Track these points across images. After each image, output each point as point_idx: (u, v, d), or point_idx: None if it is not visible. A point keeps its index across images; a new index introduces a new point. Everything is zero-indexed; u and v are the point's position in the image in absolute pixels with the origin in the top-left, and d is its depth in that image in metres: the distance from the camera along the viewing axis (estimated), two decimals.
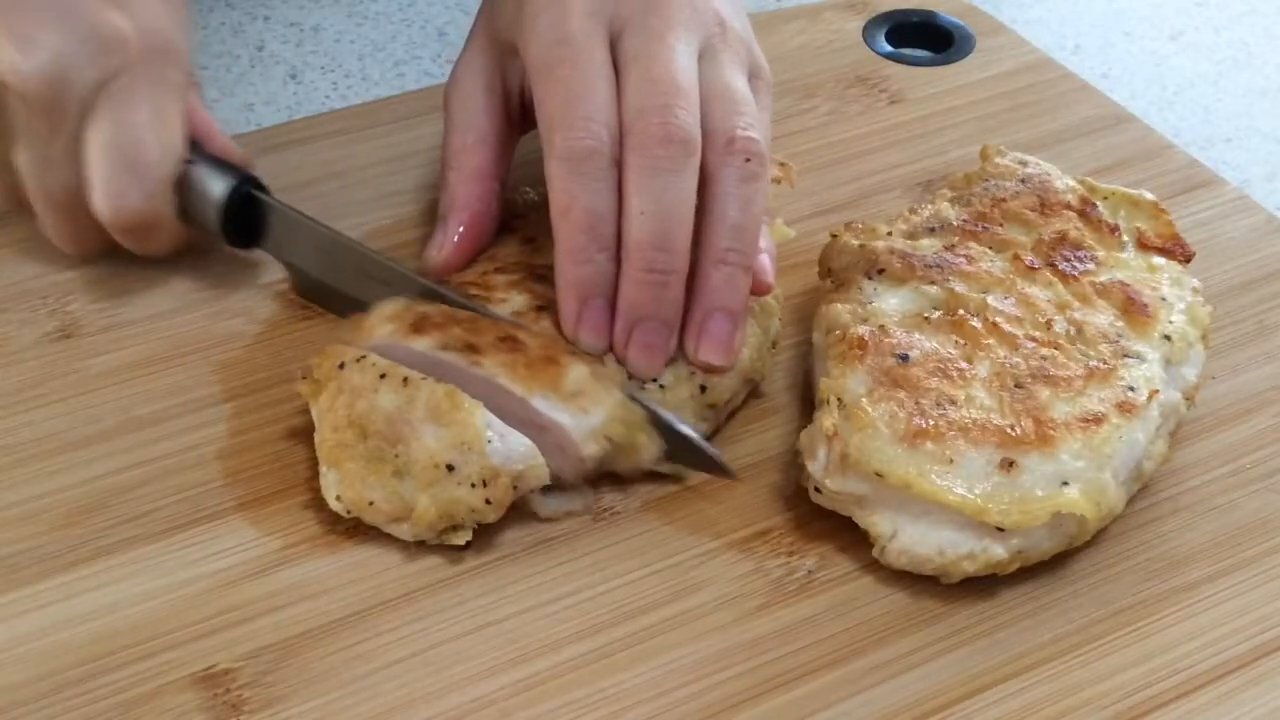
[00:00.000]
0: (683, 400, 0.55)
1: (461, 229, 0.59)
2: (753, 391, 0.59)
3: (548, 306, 0.55)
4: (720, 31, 0.58)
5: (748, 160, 0.55)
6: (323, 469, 0.53)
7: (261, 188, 0.61)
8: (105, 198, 0.58)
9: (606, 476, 0.55)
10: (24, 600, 0.51)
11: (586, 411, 0.52)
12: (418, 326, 0.54)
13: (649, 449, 0.54)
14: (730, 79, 0.57)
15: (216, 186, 0.60)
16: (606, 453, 0.53)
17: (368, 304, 0.57)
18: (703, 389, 0.55)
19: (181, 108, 0.60)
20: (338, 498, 0.52)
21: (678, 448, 0.54)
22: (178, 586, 0.52)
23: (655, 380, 0.55)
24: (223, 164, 0.61)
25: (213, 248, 0.64)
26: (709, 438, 0.56)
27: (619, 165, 0.54)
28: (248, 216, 0.61)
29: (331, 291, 0.61)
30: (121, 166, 0.58)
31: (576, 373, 0.53)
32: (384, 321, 0.55)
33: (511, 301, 0.56)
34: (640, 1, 0.56)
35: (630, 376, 0.54)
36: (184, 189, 0.60)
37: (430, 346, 0.53)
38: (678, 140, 0.53)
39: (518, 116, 0.62)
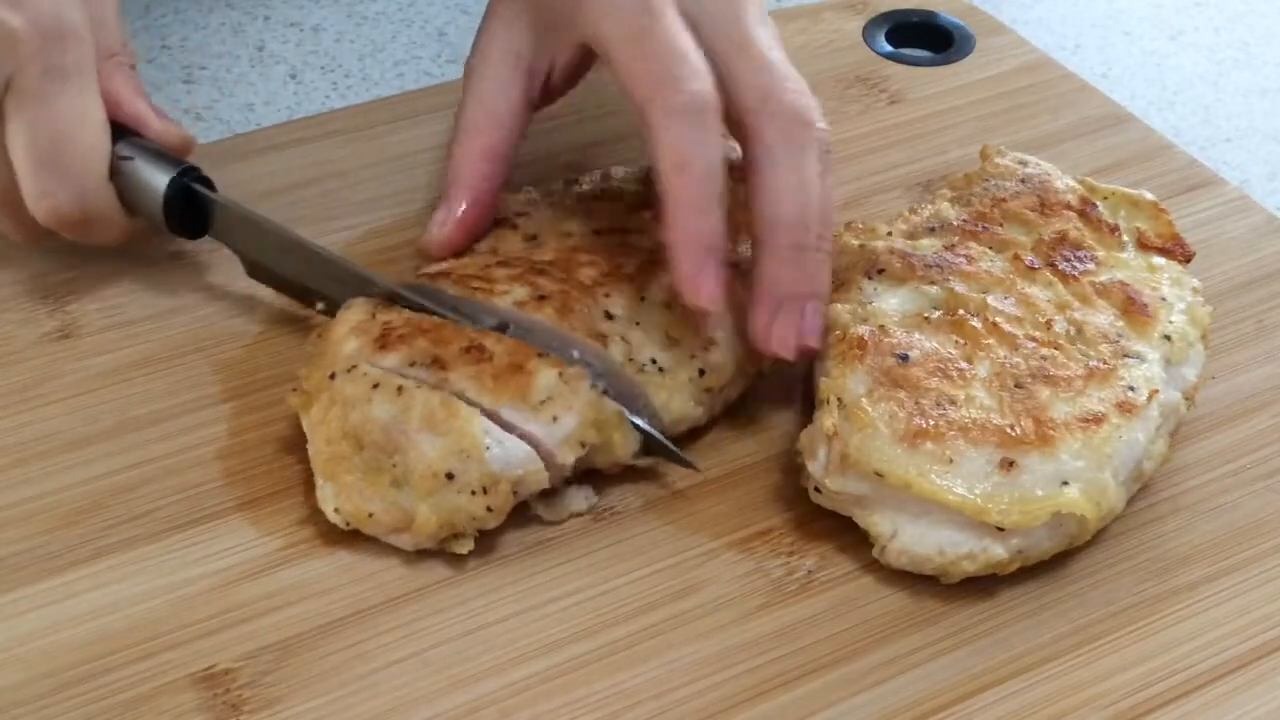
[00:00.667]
0: (681, 383, 0.55)
1: (464, 207, 0.59)
2: (752, 385, 0.59)
3: (548, 296, 0.55)
4: (764, 12, 0.59)
5: (827, 151, 0.56)
6: (319, 481, 0.53)
7: (203, 179, 0.60)
8: (34, 201, 0.57)
9: (611, 478, 0.55)
10: (24, 600, 0.51)
11: (556, 419, 0.52)
12: (383, 341, 0.54)
13: (624, 445, 0.54)
14: (792, 67, 0.58)
15: (156, 182, 0.59)
16: (582, 456, 0.53)
17: (317, 290, 0.57)
18: (701, 372, 0.55)
19: (96, 96, 0.58)
20: (336, 510, 0.52)
21: (654, 445, 0.54)
22: (178, 586, 0.52)
23: (654, 362, 0.55)
24: (161, 156, 0.60)
25: (214, 249, 0.64)
26: (707, 425, 0.56)
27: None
28: (191, 206, 0.60)
29: (281, 277, 0.60)
30: (44, 168, 0.57)
31: (544, 379, 0.52)
32: (349, 335, 0.54)
33: (513, 293, 0.56)
34: None
35: (634, 366, 0.54)
36: (123, 185, 0.59)
37: (398, 362, 0.53)
38: (811, 122, 0.55)
39: (538, 96, 0.61)
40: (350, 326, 0.55)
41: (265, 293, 0.63)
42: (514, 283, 0.56)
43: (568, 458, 0.52)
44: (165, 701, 0.48)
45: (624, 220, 0.60)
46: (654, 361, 0.55)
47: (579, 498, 0.55)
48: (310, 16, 0.86)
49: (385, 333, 0.54)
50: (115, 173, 0.59)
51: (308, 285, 0.59)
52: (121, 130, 0.60)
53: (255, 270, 0.61)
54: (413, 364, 0.53)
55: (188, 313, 0.62)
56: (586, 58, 0.60)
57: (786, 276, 0.54)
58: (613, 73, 0.56)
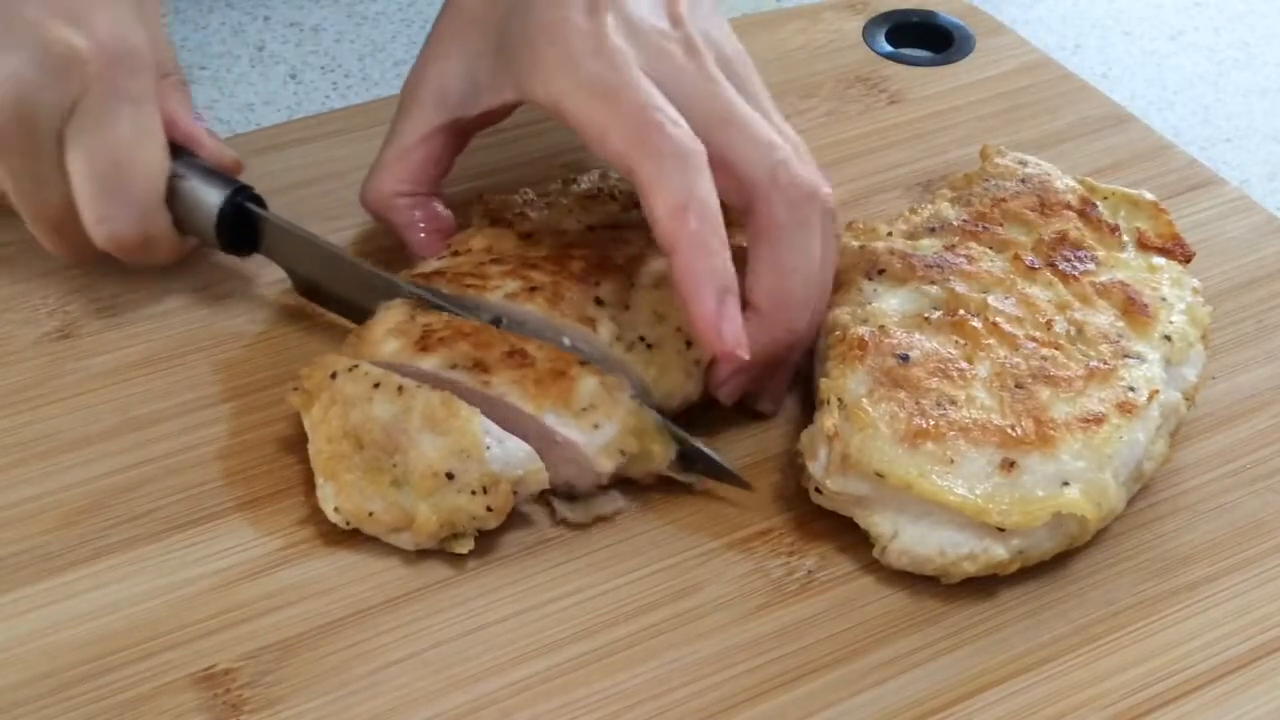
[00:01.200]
0: (670, 357, 0.55)
1: (415, 236, 0.61)
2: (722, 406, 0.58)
3: (539, 287, 0.55)
4: (743, 67, 0.58)
5: (833, 218, 0.56)
6: (319, 480, 0.53)
7: (255, 198, 0.61)
8: (94, 224, 0.57)
9: (618, 480, 0.55)
10: (24, 600, 0.51)
11: (598, 426, 0.52)
12: (424, 343, 0.54)
13: (662, 456, 0.54)
14: (786, 125, 0.57)
15: (210, 200, 0.59)
16: (621, 464, 0.53)
17: (367, 307, 0.57)
18: (689, 344, 0.55)
19: (157, 118, 0.58)
20: (336, 509, 0.52)
21: (693, 458, 0.55)
22: (178, 586, 0.52)
23: (642, 339, 0.55)
24: (214, 175, 0.60)
25: (214, 248, 0.64)
26: (701, 399, 0.56)
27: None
28: (243, 224, 0.61)
29: (331, 294, 0.61)
30: (105, 192, 0.57)
31: (586, 386, 0.53)
32: (388, 336, 0.55)
33: (505, 287, 0.56)
34: (680, 54, 0.55)
35: (621, 347, 0.55)
36: (176, 203, 0.60)
37: (439, 365, 0.53)
38: (814, 196, 0.54)
39: (472, 126, 0.61)
40: (389, 327, 0.55)
41: (265, 293, 0.63)
42: (506, 277, 0.56)
43: (606, 465, 0.53)
44: (165, 701, 0.48)
45: (618, 217, 0.60)
46: (642, 339, 0.55)
47: (608, 503, 0.55)
48: (310, 16, 0.86)
49: (425, 335, 0.54)
50: (171, 193, 0.59)
51: (358, 303, 0.58)
52: (175, 149, 0.60)
53: (303, 287, 0.62)
54: (454, 366, 0.53)
55: (188, 313, 0.62)
56: (512, 108, 0.60)
57: (779, 349, 0.55)
58: (577, 130, 0.54)
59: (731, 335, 0.52)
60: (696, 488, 0.55)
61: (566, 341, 0.54)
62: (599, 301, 0.56)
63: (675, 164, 0.52)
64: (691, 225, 0.51)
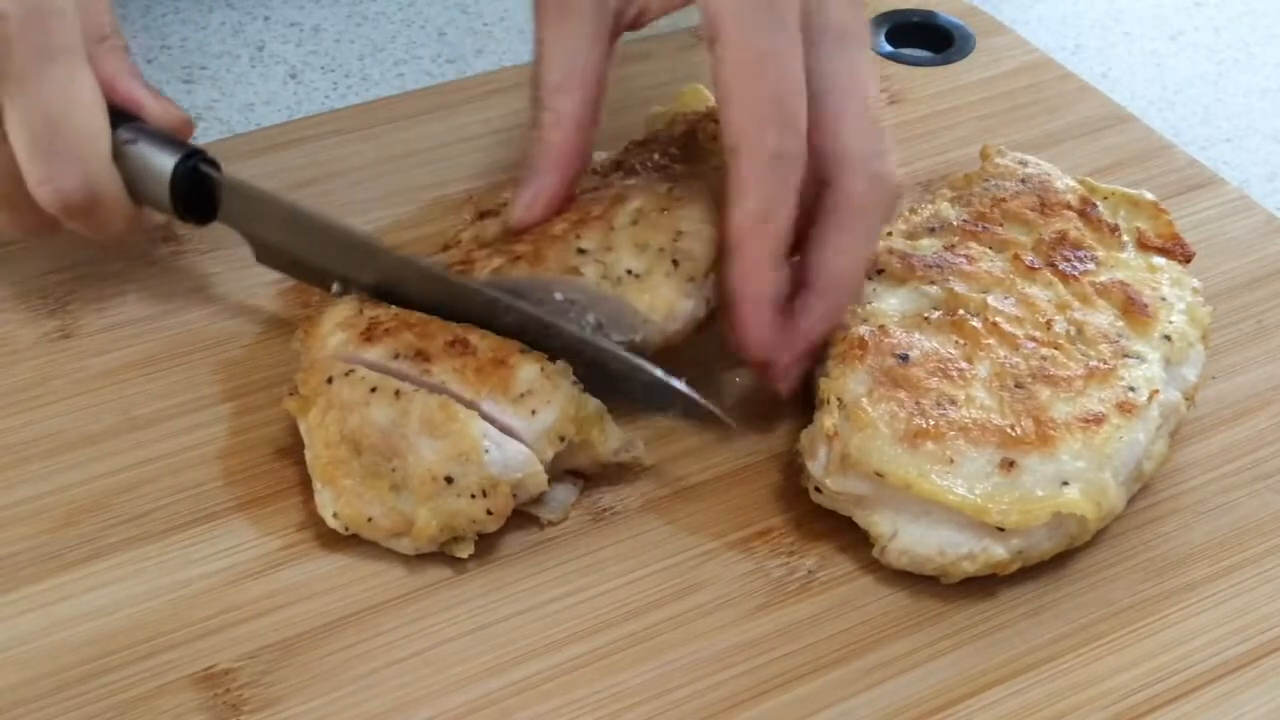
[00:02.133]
0: (659, 280, 0.55)
1: (555, 185, 0.57)
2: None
3: (522, 256, 0.55)
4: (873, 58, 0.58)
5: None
6: (317, 486, 0.53)
7: (210, 161, 0.59)
8: (38, 187, 0.56)
9: (612, 479, 0.55)
10: (24, 600, 0.51)
11: (535, 413, 0.52)
12: (369, 335, 0.54)
13: (603, 443, 0.54)
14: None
15: (161, 164, 0.58)
16: (561, 453, 0.53)
17: (331, 270, 0.56)
18: (675, 264, 0.55)
19: (88, 76, 0.56)
20: (335, 515, 0.52)
21: (666, 399, 0.54)
22: (178, 586, 0.52)
23: (629, 271, 0.55)
24: (165, 139, 0.58)
25: (213, 248, 0.64)
26: (710, 318, 0.56)
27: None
28: (199, 189, 0.59)
29: (293, 259, 0.59)
30: (44, 153, 0.55)
31: (526, 373, 0.53)
32: (335, 329, 0.55)
33: (490, 263, 0.56)
34: (843, 6, 0.55)
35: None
36: (127, 169, 0.58)
37: (382, 355, 0.53)
38: (900, 194, 0.55)
39: (622, 31, 0.57)
40: (336, 321, 0.55)
41: (265, 292, 0.63)
42: (492, 257, 0.56)
43: (547, 452, 0.52)
44: (165, 701, 0.48)
45: (599, 184, 0.60)
46: (629, 271, 0.55)
47: (566, 490, 0.55)
48: (310, 16, 0.86)
49: (371, 326, 0.54)
50: (119, 157, 0.58)
51: (322, 264, 0.57)
52: (123, 117, 0.59)
53: (265, 254, 0.60)
54: (396, 356, 0.53)
55: (188, 313, 0.62)
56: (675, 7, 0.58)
57: (821, 326, 0.55)
58: (713, 65, 0.53)
59: (773, 348, 0.54)
60: (644, 462, 0.55)
61: (559, 296, 0.54)
62: (581, 250, 0.55)
63: (775, 172, 0.52)
64: (767, 237, 0.53)
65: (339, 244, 0.57)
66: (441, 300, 0.55)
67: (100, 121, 0.57)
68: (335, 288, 0.58)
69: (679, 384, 0.54)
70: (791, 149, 0.52)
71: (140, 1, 0.86)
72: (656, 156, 0.60)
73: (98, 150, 0.57)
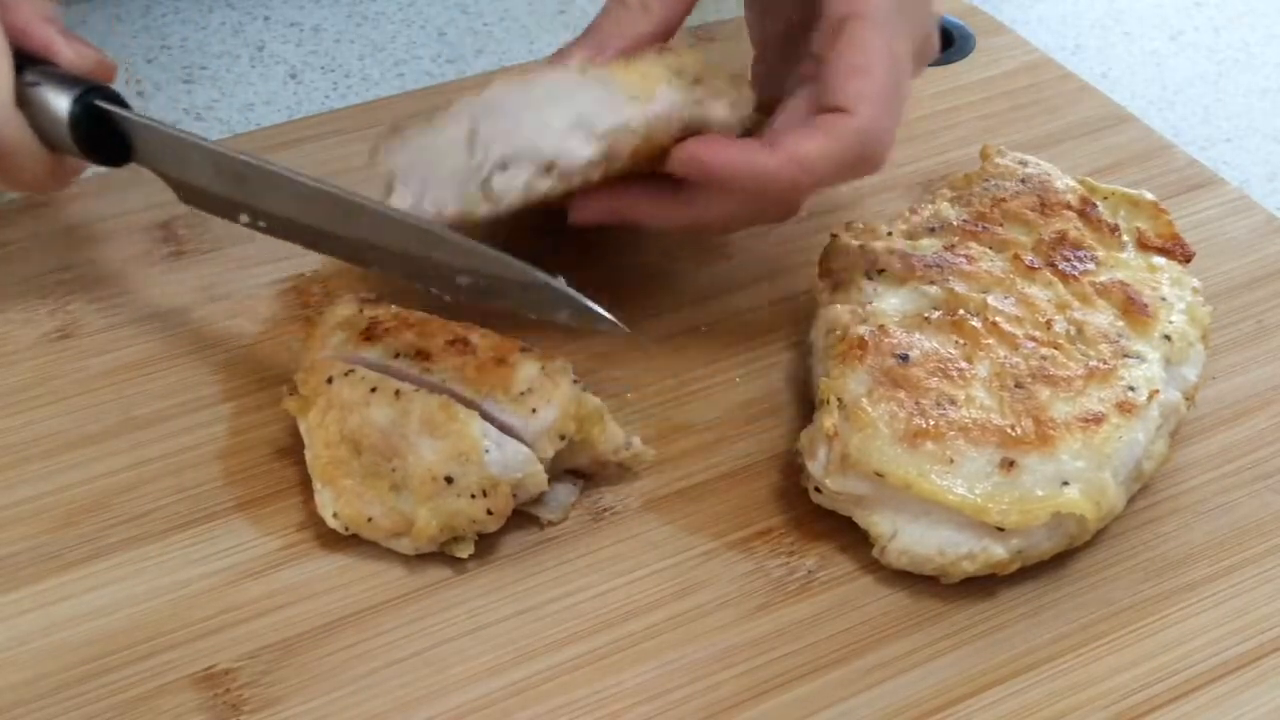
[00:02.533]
0: (651, 60, 0.55)
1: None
2: (719, 408, 0.59)
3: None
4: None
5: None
6: (317, 486, 0.53)
7: (115, 98, 0.57)
8: None
9: (610, 479, 0.55)
10: (24, 600, 0.51)
11: (536, 411, 0.52)
12: (369, 334, 0.54)
13: (606, 440, 0.54)
14: None
15: (60, 103, 0.56)
16: (562, 451, 0.53)
17: (252, 206, 0.56)
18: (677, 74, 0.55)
19: None
20: (335, 515, 0.52)
21: (555, 303, 0.53)
22: (178, 586, 0.52)
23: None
24: (71, 80, 0.57)
25: (213, 248, 0.64)
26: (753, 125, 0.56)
27: None
28: (107, 129, 0.57)
29: (213, 196, 0.58)
30: None
31: (526, 372, 0.53)
32: (335, 329, 0.55)
33: None
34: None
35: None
36: (33, 114, 0.57)
37: (382, 354, 0.53)
38: (880, 161, 0.56)
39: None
40: (336, 321, 0.55)
41: (265, 292, 0.63)
42: None
43: (547, 451, 0.52)
44: (165, 701, 0.48)
45: None
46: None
47: (566, 490, 0.55)
48: (310, 16, 0.86)
49: (371, 326, 0.54)
50: (25, 102, 0.57)
51: (246, 201, 0.56)
52: (36, 63, 0.57)
53: (187, 194, 0.58)
54: (396, 355, 0.53)
55: (188, 313, 0.62)
56: None
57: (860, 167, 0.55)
58: (827, 36, 0.55)
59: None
60: (660, 473, 0.55)
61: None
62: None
63: (849, 164, 0.54)
64: (796, 185, 0.54)
65: (250, 176, 0.56)
66: (339, 223, 0.55)
67: (3, 68, 0.56)
68: (243, 219, 0.57)
69: (563, 285, 0.52)
70: (871, 160, 0.55)
71: (140, 1, 0.86)
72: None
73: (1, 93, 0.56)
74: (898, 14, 0.55)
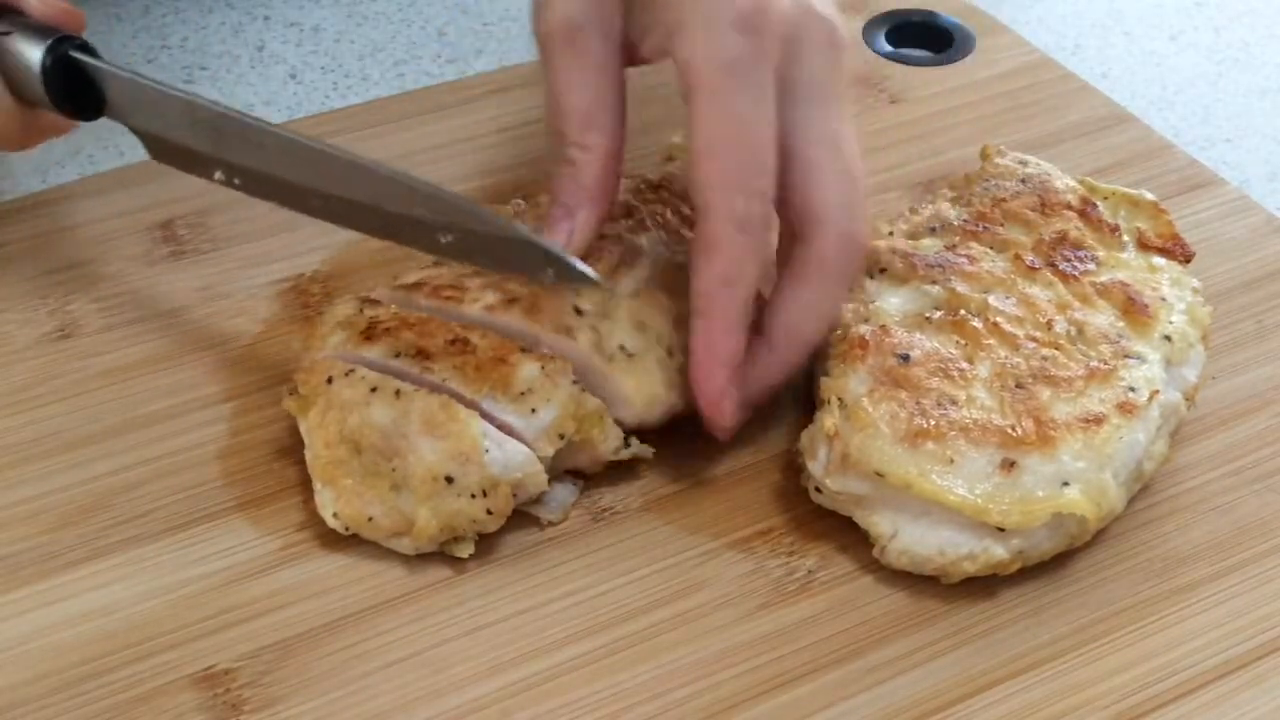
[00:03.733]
0: (650, 366, 0.55)
1: (594, 223, 0.55)
2: None
3: (517, 299, 0.55)
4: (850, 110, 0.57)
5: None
6: (317, 486, 0.53)
7: (87, 49, 0.56)
8: None
9: (609, 479, 0.55)
10: (24, 600, 0.51)
11: (535, 411, 0.52)
12: (369, 334, 0.54)
13: (606, 440, 0.54)
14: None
15: (32, 53, 0.55)
16: (561, 451, 0.53)
17: (227, 161, 0.55)
18: (670, 353, 0.55)
19: None
20: (335, 515, 0.52)
21: (538, 260, 0.52)
22: (177, 586, 0.52)
23: (622, 349, 0.54)
24: (42, 30, 0.56)
25: (214, 248, 0.64)
26: (683, 413, 0.55)
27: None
28: (79, 81, 0.56)
29: (186, 151, 0.57)
30: None
31: (526, 371, 0.52)
32: (334, 329, 0.55)
33: (483, 299, 0.55)
34: (820, 60, 0.54)
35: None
36: (5, 65, 0.56)
37: (382, 354, 0.53)
38: (865, 249, 0.55)
39: (628, 62, 0.56)
40: (336, 321, 0.55)
41: (265, 293, 0.63)
42: (485, 290, 0.55)
43: (547, 450, 0.52)
44: (165, 701, 0.48)
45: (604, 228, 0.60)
46: (622, 348, 0.54)
47: (566, 490, 0.55)
48: (310, 16, 0.86)
49: (371, 326, 0.54)
50: None
51: (211, 154, 0.55)
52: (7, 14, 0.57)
53: (158, 149, 0.57)
54: (397, 355, 0.53)
55: (188, 313, 0.62)
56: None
57: (770, 377, 0.55)
58: (688, 118, 0.52)
59: (729, 414, 0.54)
60: (661, 473, 0.56)
61: (545, 350, 0.54)
62: (578, 311, 0.55)
63: (741, 238, 0.52)
64: (730, 300, 0.52)
65: (228, 130, 0.55)
66: (318, 179, 0.54)
67: None
68: (217, 175, 0.56)
69: (547, 242, 0.52)
70: (758, 213, 0.52)
71: (140, 1, 0.86)
72: (669, 214, 0.59)
73: None
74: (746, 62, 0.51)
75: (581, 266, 0.52)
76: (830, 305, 0.55)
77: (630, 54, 0.56)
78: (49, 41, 0.56)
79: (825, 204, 0.53)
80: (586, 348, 0.54)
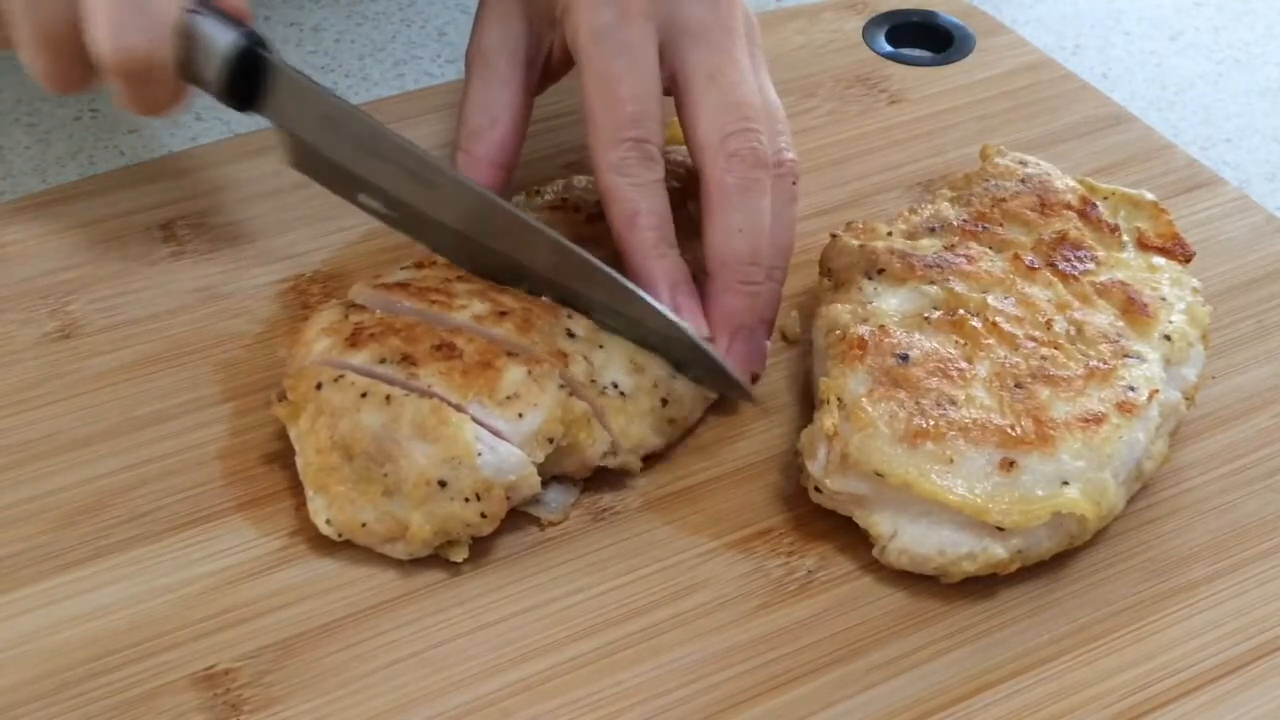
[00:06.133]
0: (643, 411, 0.55)
1: None
2: (714, 407, 0.58)
3: (509, 313, 0.55)
4: (754, 34, 0.60)
5: (793, 183, 0.58)
6: (309, 493, 0.53)
7: (266, 47, 0.57)
8: (108, 34, 0.54)
9: (609, 478, 0.55)
10: (24, 600, 0.51)
11: (522, 416, 0.52)
12: (354, 340, 0.53)
13: (594, 445, 0.53)
14: (770, 93, 0.59)
15: (222, 40, 0.56)
16: (550, 455, 0.53)
17: (364, 180, 0.57)
18: (664, 402, 0.55)
19: None
20: (328, 521, 0.52)
21: (698, 364, 0.56)
22: (177, 586, 0.52)
23: (616, 386, 0.54)
24: (229, 18, 0.57)
25: (214, 248, 0.64)
26: (663, 452, 0.56)
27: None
28: (249, 76, 0.57)
29: (328, 164, 0.58)
30: (126, 2, 0.54)
31: (512, 375, 0.52)
32: (320, 335, 0.54)
33: (471, 308, 0.55)
34: (699, 8, 0.58)
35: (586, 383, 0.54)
36: (187, 39, 0.56)
37: (367, 360, 0.53)
38: (766, 164, 0.56)
39: (538, 84, 0.62)
40: (321, 327, 0.55)
41: (265, 293, 0.63)
42: (473, 298, 0.55)
43: (535, 455, 0.52)
44: (165, 701, 0.48)
45: (582, 230, 0.60)
46: (615, 385, 0.55)
47: (565, 490, 0.55)
48: (310, 16, 0.86)
49: (356, 331, 0.54)
50: (180, 28, 0.56)
51: (358, 172, 0.57)
52: None
53: (303, 158, 0.59)
54: (382, 361, 0.53)
55: (188, 313, 0.62)
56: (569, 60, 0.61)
57: (740, 307, 0.56)
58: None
59: (688, 317, 0.55)
60: (656, 474, 0.55)
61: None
62: (570, 334, 0.55)
63: (623, 180, 0.55)
64: (641, 229, 0.55)
65: (379, 148, 0.56)
66: (478, 230, 0.56)
67: None
68: (360, 197, 0.57)
69: (709, 347, 0.55)
70: (633, 157, 0.55)
71: None
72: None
73: (170, 12, 0.55)
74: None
75: (734, 373, 0.56)
76: (747, 221, 0.56)
77: (551, 68, 0.62)
78: (239, 33, 0.57)
79: (706, 132, 0.57)
80: (580, 377, 0.54)
